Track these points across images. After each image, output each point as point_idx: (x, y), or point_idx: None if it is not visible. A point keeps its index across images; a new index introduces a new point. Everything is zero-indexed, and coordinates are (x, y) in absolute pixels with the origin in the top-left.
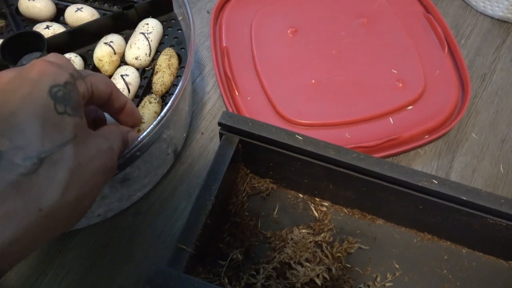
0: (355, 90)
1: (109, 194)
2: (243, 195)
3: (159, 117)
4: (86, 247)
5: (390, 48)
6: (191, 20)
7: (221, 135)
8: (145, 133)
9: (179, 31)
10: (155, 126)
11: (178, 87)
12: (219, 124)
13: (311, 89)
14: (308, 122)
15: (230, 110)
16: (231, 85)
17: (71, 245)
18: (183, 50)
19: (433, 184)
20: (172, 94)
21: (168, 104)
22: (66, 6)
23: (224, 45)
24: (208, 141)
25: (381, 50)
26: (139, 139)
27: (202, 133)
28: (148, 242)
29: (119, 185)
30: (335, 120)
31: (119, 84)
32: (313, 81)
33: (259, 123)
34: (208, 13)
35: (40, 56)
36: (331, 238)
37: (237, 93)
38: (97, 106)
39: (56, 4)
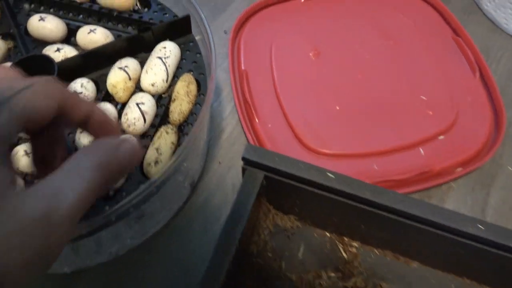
0: (383, 118)
1: (123, 232)
2: (266, 233)
3: (178, 151)
4: (97, 286)
5: (418, 73)
6: (212, 47)
7: (243, 170)
8: (164, 168)
9: (198, 55)
10: (174, 161)
11: (198, 119)
12: (243, 159)
13: (336, 116)
14: (333, 152)
15: (250, 138)
16: (250, 111)
17: (81, 284)
18: (202, 76)
19: (479, 230)
20: (191, 123)
21: (188, 137)
22: (78, 27)
23: (243, 68)
24: (226, 171)
25: (408, 75)
26: (157, 177)
27: (220, 163)
28: (162, 282)
29: (133, 223)
30: (362, 150)
31: (135, 113)
32: (337, 107)
33: (286, 159)
34: (226, 33)
35: None
36: (363, 283)
37: (257, 120)
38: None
39: (68, 25)
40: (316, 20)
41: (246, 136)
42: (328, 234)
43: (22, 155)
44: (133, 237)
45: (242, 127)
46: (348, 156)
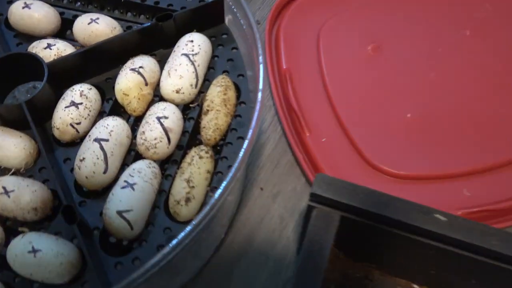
0: (468, 129)
1: None
2: (332, 287)
3: (223, 187)
4: None
5: (508, 69)
6: (257, 37)
7: (310, 208)
8: (200, 216)
9: (234, 51)
10: (212, 206)
11: (247, 141)
12: (313, 195)
13: (408, 126)
14: (408, 173)
15: (299, 156)
16: (298, 121)
17: None
18: (241, 77)
19: None
20: (230, 143)
21: (234, 169)
22: (75, 16)
23: (284, 67)
24: (270, 199)
25: (495, 72)
26: (194, 222)
27: (262, 189)
28: None
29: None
30: (446, 171)
31: (155, 131)
32: (408, 115)
33: (376, 195)
34: (259, 23)
35: (40, 89)
36: None
37: (307, 133)
38: None
39: (61, 14)
40: (375, 5)
41: (293, 154)
42: (417, 287)
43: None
44: None
45: (288, 142)
46: (428, 179)
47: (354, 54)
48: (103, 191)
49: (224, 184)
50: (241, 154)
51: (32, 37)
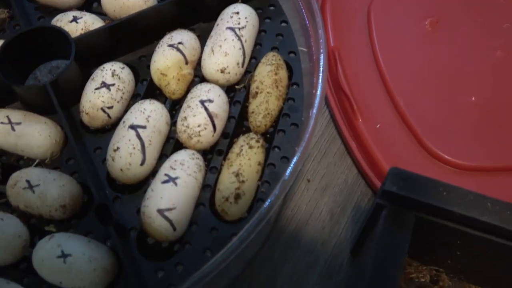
0: None
1: None
2: None
3: (282, 182)
4: None
5: None
6: (316, 7)
7: (379, 207)
8: (260, 212)
9: (284, 24)
10: (276, 198)
11: (309, 130)
12: (385, 192)
13: (473, 111)
14: (475, 164)
15: (351, 143)
16: (349, 105)
17: None
18: (292, 55)
19: None
20: (282, 130)
21: (296, 160)
22: None
23: (332, 45)
24: (318, 193)
25: None
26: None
27: (309, 181)
28: None
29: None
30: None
31: (199, 117)
32: (473, 98)
33: (462, 193)
34: None
35: (67, 67)
36: None
37: (359, 119)
38: None
39: None
40: None
41: (343, 142)
42: None
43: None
44: None
45: (337, 129)
46: (498, 171)
47: (409, 30)
48: (140, 185)
49: (281, 182)
50: (303, 145)
51: (55, 10)
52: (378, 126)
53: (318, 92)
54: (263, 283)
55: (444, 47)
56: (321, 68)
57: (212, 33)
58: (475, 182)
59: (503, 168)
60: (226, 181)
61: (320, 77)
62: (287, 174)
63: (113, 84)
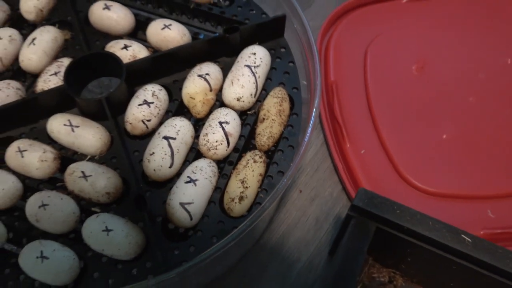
0: (500, 154)
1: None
2: (359, 287)
3: (276, 190)
4: None
5: None
6: (316, 58)
7: (349, 217)
8: (252, 214)
9: (291, 64)
10: (270, 203)
11: (298, 152)
12: (353, 207)
13: (443, 147)
14: (439, 191)
15: (338, 164)
16: (340, 131)
17: None
18: (295, 90)
19: None
20: (281, 150)
21: (286, 176)
22: (148, 19)
23: (331, 78)
24: (307, 202)
25: None
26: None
27: (301, 191)
28: None
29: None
30: (474, 191)
31: (217, 135)
32: (444, 136)
33: (411, 212)
34: None
35: (118, 86)
36: None
37: (348, 144)
38: None
39: (136, 15)
40: (421, 26)
41: (333, 162)
42: None
43: (15, 152)
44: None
45: (329, 150)
46: (456, 198)
47: (398, 72)
48: (164, 184)
49: (275, 190)
50: (293, 165)
51: (108, 35)
52: (362, 151)
53: (310, 125)
54: (256, 272)
55: (426, 90)
56: (315, 108)
57: (233, 68)
58: (436, 205)
59: (459, 195)
60: (234, 186)
61: (313, 113)
62: (279, 185)
63: (152, 102)
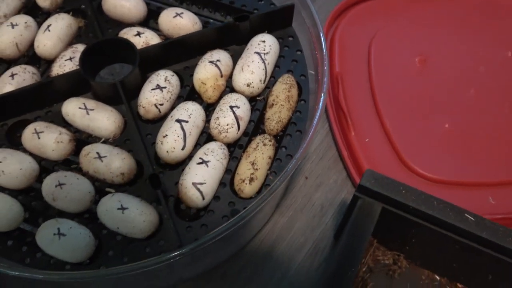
0: (502, 143)
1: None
2: (364, 269)
3: (284, 172)
4: None
5: None
6: (324, 46)
7: (356, 198)
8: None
9: (298, 53)
10: (278, 185)
11: (309, 136)
12: (360, 187)
13: (445, 136)
14: (441, 178)
15: (343, 152)
16: (345, 120)
17: None
18: (303, 78)
19: None
20: (289, 134)
21: (295, 159)
22: (159, 8)
23: (336, 70)
24: (313, 189)
25: None
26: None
27: (306, 178)
28: None
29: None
30: (475, 179)
31: (228, 118)
32: (446, 125)
33: (416, 192)
34: None
35: (132, 71)
36: None
37: (352, 133)
38: None
39: (147, 4)
40: (424, 21)
41: (338, 150)
42: (438, 277)
43: (31, 134)
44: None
45: (334, 139)
46: (458, 185)
47: (401, 64)
48: (176, 165)
49: (284, 171)
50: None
51: (120, 23)
52: (367, 140)
53: (319, 108)
54: (263, 254)
55: (428, 81)
56: (323, 93)
57: (243, 55)
58: (437, 192)
59: (461, 183)
60: (244, 168)
61: (322, 98)
62: (289, 166)
63: (165, 87)
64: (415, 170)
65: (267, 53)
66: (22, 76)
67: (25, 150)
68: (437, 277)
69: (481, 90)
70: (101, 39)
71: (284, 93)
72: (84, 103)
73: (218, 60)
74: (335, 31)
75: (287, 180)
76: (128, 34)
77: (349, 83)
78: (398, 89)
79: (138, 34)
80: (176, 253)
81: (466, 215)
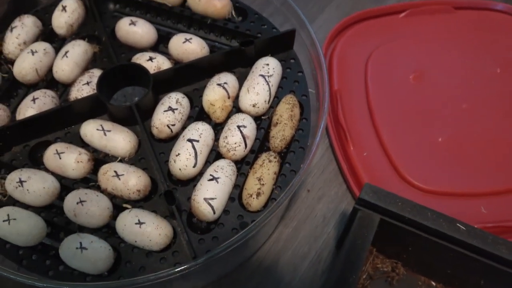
0: (491, 155)
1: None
2: (364, 277)
3: (290, 187)
4: None
5: None
6: (324, 70)
7: (356, 210)
8: (273, 207)
9: (300, 74)
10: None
11: (309, 153)
12: (360, 200)
13: (439, 149)
14: (435, 189)
15: (343, 166)
16: (344, 136)
17: None
18: (304, 97)
19: None
20: (292, 151)
21: (299, 174)
22: (168, 34)
23: (336, 87)
24: (315, 201)
25: None
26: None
27: (309, 191)
28: None
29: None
30: (468, 189)
31: (236, 137)
32: (440, 139)
33: (411, 204)
34: None
35: (146, 94)
36: None
37: (351, 147)
38: None
39: (158, 30)
40: (417, 39)
41: (337, 163)
42: (434, 283)
43: (53, 154)
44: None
45: (334, 153)
46: (452, 195)
47: (397, 81)
48: (188, 182)
49: (290, 186)
50: (305, 164)
51: (133, 48)
52: (365, 154)
53: (321, 127)
54: (270, 263)
55: (422, 97)
56: (324, 115)
57: (248, 77)
58: (432, 202)
59: (454, 193)
60: (251, 183)
61: (323, 119)
62: (294, 181)
63: (176, 109)
64: (411, 182)
65: (270, 75)
66: (43, 100)
67: (46, 170)
68: (433, 283)
69: (473, 104)
70: (116, 65)
71: (287, 112)
72: (101, 125)
73: (225, 83)
74: (333, 51)
75: (292, 194)
76: (141, 59)
77: (348, 99)
78: (394, 105)
79: (150, 59)
80: (191, 263)
81: (458, 224)
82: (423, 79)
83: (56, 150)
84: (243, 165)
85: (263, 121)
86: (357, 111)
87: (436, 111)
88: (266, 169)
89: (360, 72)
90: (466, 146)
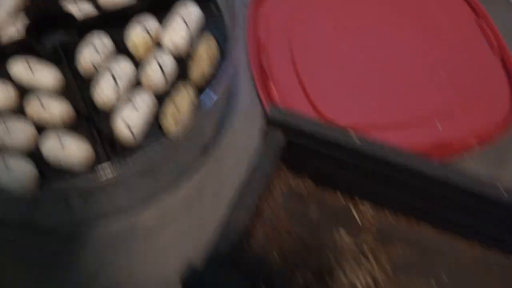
0: (401, 91)
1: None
2: (278, 192)
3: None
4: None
5: (439, 49)
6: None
7: (266, 130)
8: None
9: (220, 19)
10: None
11: (221, 80)
12: (267, 118)
13: (354, 87)
14: (351, 123)
15: (266, 105)
16: (266, 78)
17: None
18: (224, 40)
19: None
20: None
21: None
22: None
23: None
24: (240, 138)
25: (429, 51)
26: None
27: (234, 131)
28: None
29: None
30: (378, 121)
31: (154, 70)
32: (356, 78)
33: (313, 121)
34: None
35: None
36: (374, 244)
37: (273, 88)
38: None
39: None
40: None
41: (262, 105)
42: (340, 195)
43: None
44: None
45: (259, 97)
46: (363, 128)
47: (319, 27)
48: (110, 111)
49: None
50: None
51: None
52: (287, 94)
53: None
54: (193, 196)
55: (342, 41)
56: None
57: (169, 19)
58: None
59: (366, 126)
60: (169, 109)
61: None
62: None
63: (101, 48)
64: (327, 116)
65: (189, 17)
66: None
67: None
68: (340, 195)
69: (387, 47)
70: (43, 11)
71: (205, 51)
72: (27, 62)
73: (147, 25)
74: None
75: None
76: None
77: (273, 48)
78: (315, 50)
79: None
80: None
81: (352, 136)
82: (343, 26)
83: None
84: (163, 96)
85: (184, 59)
86: (281, 57)
87: (354, 54)
88: (183, 98)
89: (285, 21)
90: (379, 84)
